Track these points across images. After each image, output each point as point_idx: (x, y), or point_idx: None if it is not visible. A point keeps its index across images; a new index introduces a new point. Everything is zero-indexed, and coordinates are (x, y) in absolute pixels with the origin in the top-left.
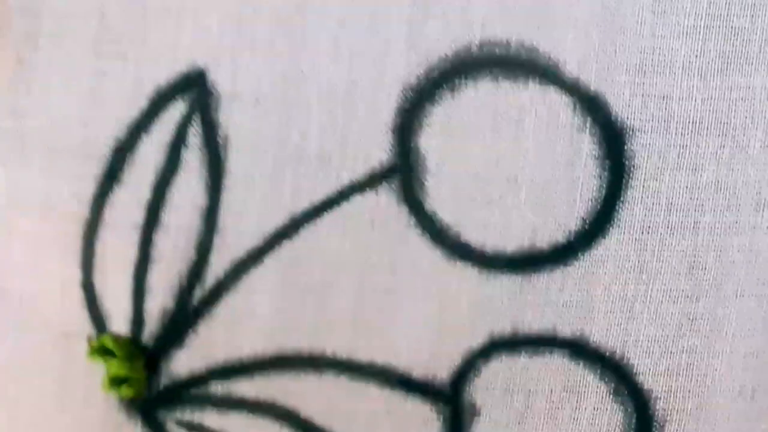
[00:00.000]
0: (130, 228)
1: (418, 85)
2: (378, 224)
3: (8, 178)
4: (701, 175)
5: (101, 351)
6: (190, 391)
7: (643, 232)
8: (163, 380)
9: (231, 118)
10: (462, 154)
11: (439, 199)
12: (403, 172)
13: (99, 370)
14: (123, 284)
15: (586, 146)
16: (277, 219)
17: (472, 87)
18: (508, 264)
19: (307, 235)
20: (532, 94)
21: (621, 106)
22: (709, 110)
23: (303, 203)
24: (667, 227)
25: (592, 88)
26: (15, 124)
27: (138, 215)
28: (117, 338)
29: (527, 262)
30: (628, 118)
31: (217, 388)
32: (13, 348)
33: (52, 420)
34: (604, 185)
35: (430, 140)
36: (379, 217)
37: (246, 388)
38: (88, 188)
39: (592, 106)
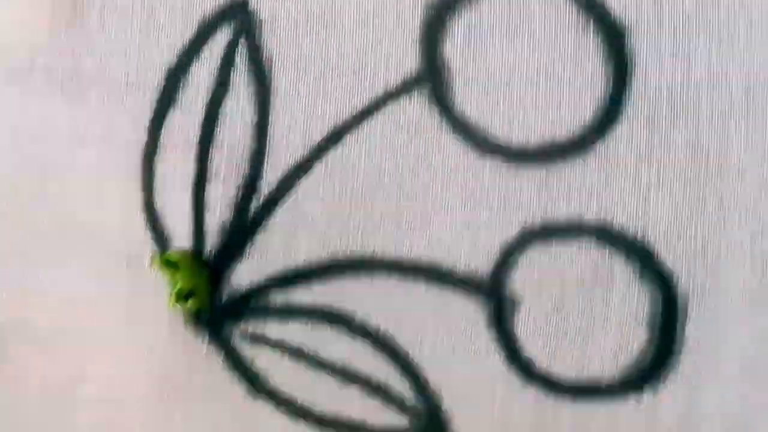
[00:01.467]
0: (186, 148)
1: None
2: (413, 129)
3: (69, 113)
4: (695, 69)
5: (167, 265)
6: (252, 302)
7: (649, 122)
8: (226, 293)
9: (273, 41)
10: (483, 60)
11: (466, 102)
12: (432, 80)
13: (164, 290)
14: (183, 202)
15: (591, 45)
16: (322, 130)
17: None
18: (533, 157)
19: (350, 143)
20: (540, 2)
21: (620, 6)
22: (698, 8)
23: (344, 114)
24: (670, 117)
25: None
26: (73, 62)
27: (193, 135)
28: (181, 252)
29: (549, 154)
30: (626, 17)
31: (277, 297)
32: (79, 275)
33: (120, 342)
34: (611, 81)
35: (453, 49)
36: (413, 122)
37: (303, 295)
38: (144, 114)
39: (593, 8)
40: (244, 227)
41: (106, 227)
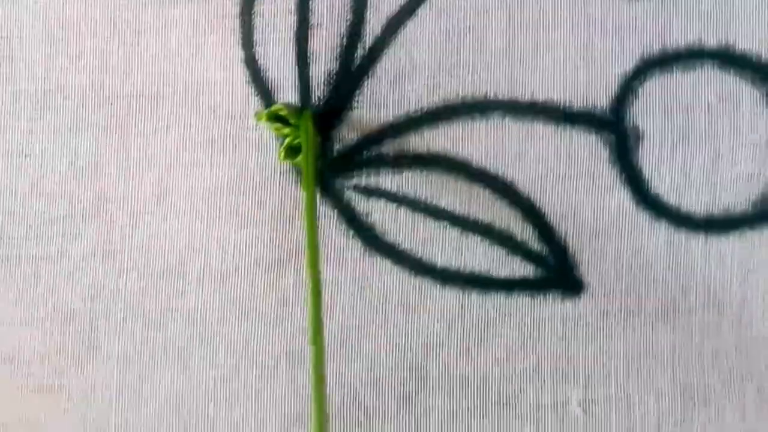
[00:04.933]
0: None
1: None
2: None
3: None
4: None
5: (273, 120)
6: (363, 153)
7: None
8: (336, 146)
9: None
10: None
11: None
12: None
13: (271, 147)
14: (285, 54)
15: None
16: None
17: None
18: None
19: None
20: None
21: None
22: None
23: None
24: None
25: None
26: None
27: None
28: (288, 106)
29: None
30: None
31: (389, 147)
32: (183, 137)
33: (230, 204)
34: None
35: None
36: None
37: (417, 143)
38: None
39: None
40: (350, 76)
41: (207, 86)
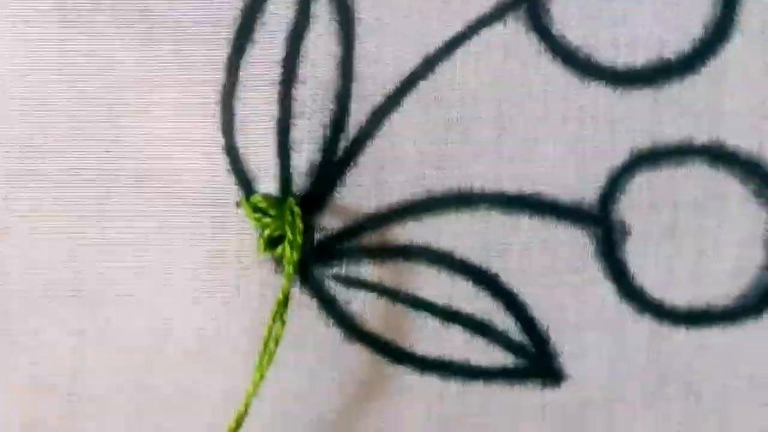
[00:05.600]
0: (268, 86)
1: None
2: (509, 54)
3: (140, 56)
4: None
5: (254, 210)
6: (344, 244)
7: (763, 38)
8: (317, 236)
9: None
10: None
11: (565, 23)
12: (527, 1)
13: (250, 235)
14: (267, 143)
15: None
16: (411, 61)
17: None
18: (640, 78)
19: (443, 72)
20: None
21: None
22: None
23: (434, 42)
24: None
25: None
26: (142, 3)
27: (275, 72)
28: (268, 197)
29: (658, 73)
30: None
31: (371, 238)
32: (161, 225)
33: (207, 289)
34: None
35: None
36: (509, 47)
37: (399, 234)
38: (221, 52)
39: None
40: (332, 167)
41: (186, 173)
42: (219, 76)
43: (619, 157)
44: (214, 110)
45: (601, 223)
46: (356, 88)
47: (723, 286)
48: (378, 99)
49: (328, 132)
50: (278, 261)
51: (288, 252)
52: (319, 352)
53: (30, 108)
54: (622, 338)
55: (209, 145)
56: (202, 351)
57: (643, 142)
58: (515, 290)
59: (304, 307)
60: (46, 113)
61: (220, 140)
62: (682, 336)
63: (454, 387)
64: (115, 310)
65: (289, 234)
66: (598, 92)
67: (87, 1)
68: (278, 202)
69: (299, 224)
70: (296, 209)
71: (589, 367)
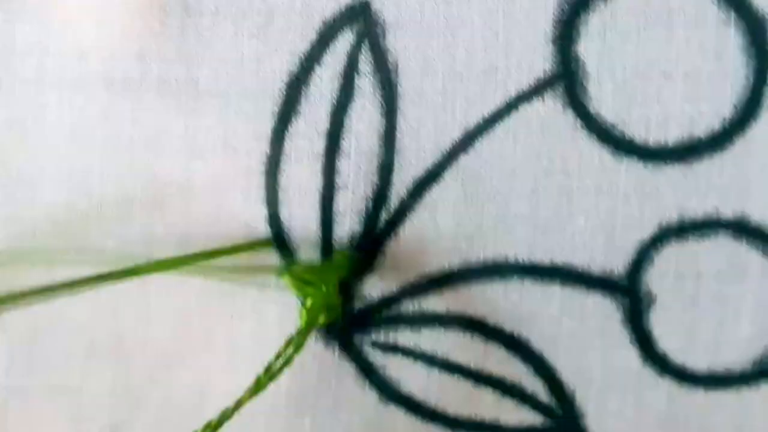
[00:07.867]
0: (312, 158)
1: None
2: (547, 130)
3: (186, 125)
4: None
5: (296, 280)
6: (383, 312)
7: None
8: (357, 304)
9: (398, 44)
10: (618, 57)
11: (601, 101)
12: (565, 79)
13: (291, 304)
14: (310, 215)
15: (732, 38)
16: (452, 135)
17: None
18: (671, 155)
19: (482, 147)
20: None
21: None
22: None
23: (475, 117)
24: None
25: None
26: (188, 71)
27: (319, 145)
28: (311, 267)
29: (688, 151)
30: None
31: (409, 306)
32: (203, 287)
33: (247, 356)
34: (751, 72)
35: (588, 46)
36: (547, 123)
37: (436, 303)
38: (266, 125)
39: (735, 1)
40: (373, 238)
41: (228, 240)
42: (264, 147)
43: (647, 230)
44: (259, 181)
45: (628, 293)
46: (399, 161)
47: (741, 350)
48: (419, 172)
49: (370, 204)
50: (320, 329)
51: (327, 320)
52: (353, 411)
53: (74, 174)
54: (644, 399)
55: (252, 215)
56: (240, 414)
57: (671, 216)
58: (545, 355)
59: (341, 371)
60: (91, 180)
61: (264, 211)
62: (700, 398)
63: None
64: (156, 370)
65: (327, 303)
66: (630, 168)
67: (134, 71)
68: (320, 270)
69: (338, 294)
70: (334, 281)
71: (612, 426)
